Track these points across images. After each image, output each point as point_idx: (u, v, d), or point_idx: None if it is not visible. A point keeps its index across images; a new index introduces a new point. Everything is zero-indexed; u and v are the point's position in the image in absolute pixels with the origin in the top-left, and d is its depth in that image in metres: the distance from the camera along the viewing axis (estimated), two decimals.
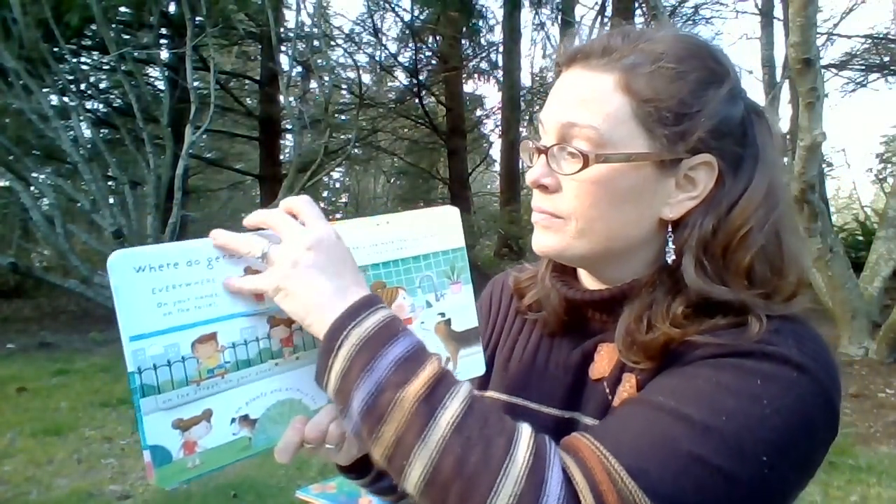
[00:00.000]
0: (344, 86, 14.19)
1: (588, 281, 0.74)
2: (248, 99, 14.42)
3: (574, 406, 0.72)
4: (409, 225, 0.72)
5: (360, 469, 0.76)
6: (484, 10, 13.79)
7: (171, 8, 10.32)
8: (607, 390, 0.68)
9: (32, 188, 7.71)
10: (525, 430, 0.56)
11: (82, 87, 10.20)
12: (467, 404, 0.55)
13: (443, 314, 0.74)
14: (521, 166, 13.09)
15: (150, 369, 0.56)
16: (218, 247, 0.60)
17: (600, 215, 0.65)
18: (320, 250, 0.59)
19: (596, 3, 12.54)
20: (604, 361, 0.70)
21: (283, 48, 10.86)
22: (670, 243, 0.66)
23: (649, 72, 0.63)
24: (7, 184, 8.08)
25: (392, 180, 19.33)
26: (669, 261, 0.65)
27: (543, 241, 0.69)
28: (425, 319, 0.72)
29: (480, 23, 13.60)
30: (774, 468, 0.55)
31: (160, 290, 0.57)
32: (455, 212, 0.75)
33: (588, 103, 0.63)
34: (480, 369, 0.77)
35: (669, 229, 0.66)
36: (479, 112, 15.99)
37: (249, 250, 0.60)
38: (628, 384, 0.66)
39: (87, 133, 8.15)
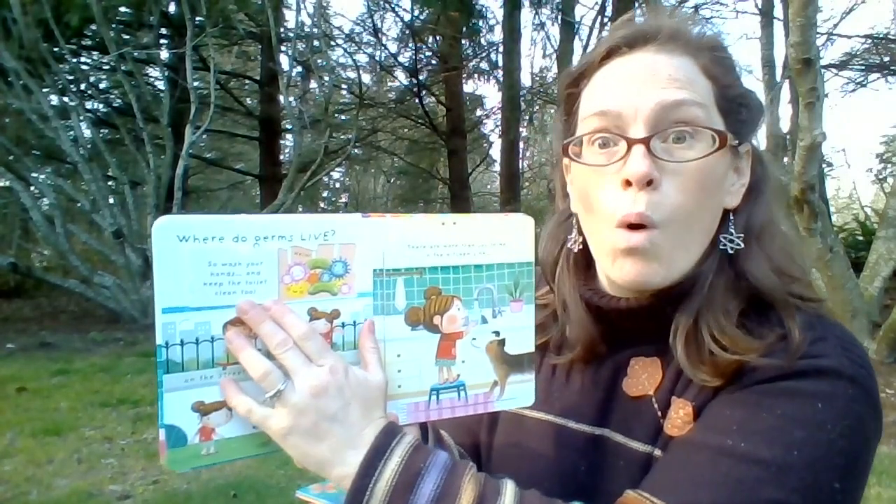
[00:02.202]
0: (344, 86, 14.20)
1: (613, 286, 0.68)
2: (248, 99, 14.41)
3: (603, 422, 0.68)
4: (477, 230, 0.66)
5: None
6: (484, 10, 13.79)
7: (171, 8, 10.32)
8: (658, 412, 0.63)
9: (32, 188, 7.71)
10: None
11: (82, 87, 10.20)
12: None
13: (497, 333, 0.67)
14: (521, 166, 13.10)
15: (178, 345, 0.54)
16: (231, 353, 0.56)
17: (699, 208, 0.60)
18: (327, 395, 0.55)
19: (596, 3, 12.54)
20: (641, 377, 0.66)
21: (283, 48, 10.85)
22: (732, 230, 0.63)
23: (722, 58, 0.63)
24: (7, 184, 8.08)
25: (392, 180, 19.32)
26: (730, 250, 0.63)
27: (645, 270, 0.60)
28: (477, 336, 0.66)
29: (480, 23, 13.59)
30: (846, 492, 0.55)
31: (201, 265, 0.55)
32: (529, 222, 0.68)
33: (683, 83, 0.59)
34: (529, 400, 0.69)
35: (731, 218, 0.64)
36: (479, 112, 15.99)
37: (264, 383, 0.55)
38: (682, 411, 0.61)
39: (87, 133, 8.16)
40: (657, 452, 0.62)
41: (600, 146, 0.62)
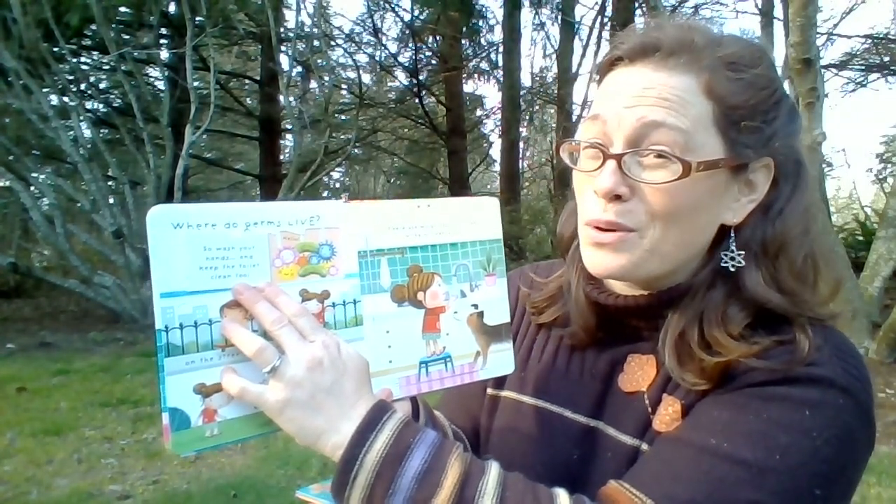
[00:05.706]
0: (344, 86, 14.19)
1: (619, 285, 0.70)
2: (248, 99, 14.41)
3: (598, 414, 0.70)
4: (449, 211, 0.71)
5: None
6: (484, 10, 13.82)
7: (171, 8, 10.31)
8: (649, 408, 0.65)
9: (32, 188, 7.70)
10: (562, 497, 0.56)
11: (82, 87, 10.20)
12: (498, 497, 0.54)
13: (476, 306, 0.72)
14: (521, 166, 13.10)
15: (177, 329, 0.56)
16: (226, 337, 0.58)
17: (677, 225, 0.61)
18: (321, 369, 0.57)
19: (596, 3, 12.54)
20: (636, 373, 0.67)
21: (283, 48, 10.84)
22: (733, 247, 0.63)
23: (736, 78, 0.60)
24: (7, 184, 8.07)
25: (392, 180, 19.32)
26: (731, 267, 0.62)
27: (609, 262, 0.63)
28: (458, 309, 0.71)
29: (480, 23, 13.61)
30: (827, 499, 0.55)
31: (197, 250, 0.57)
32: (494, 202, 0.75)
33: (672, 104, 0.59)
34: (509, 367, 0.74)
35: (732, 234, 0.63)
36: (479, 112, 16.01)
37: (260, 359, 0.57)
38: (671, 409, 0.63)
39: (87, 133, 8.15)
40: (644, 446, 0.64)
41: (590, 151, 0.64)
